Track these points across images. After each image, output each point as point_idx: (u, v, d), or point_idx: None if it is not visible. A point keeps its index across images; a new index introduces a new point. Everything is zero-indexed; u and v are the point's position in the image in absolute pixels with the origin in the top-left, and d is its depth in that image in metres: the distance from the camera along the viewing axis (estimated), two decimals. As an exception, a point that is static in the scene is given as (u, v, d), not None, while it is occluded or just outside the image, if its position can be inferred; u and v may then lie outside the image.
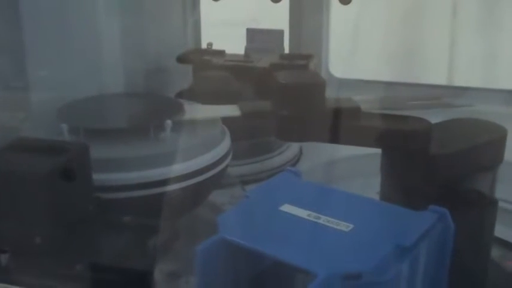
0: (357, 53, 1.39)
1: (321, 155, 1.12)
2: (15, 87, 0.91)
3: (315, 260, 0.45)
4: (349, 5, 1.39)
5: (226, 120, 0.91)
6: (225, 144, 0.76)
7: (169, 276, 0.58)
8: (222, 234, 0.49)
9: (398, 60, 1.39)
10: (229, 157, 0.77)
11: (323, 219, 0.50)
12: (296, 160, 1.09)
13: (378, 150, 0.75)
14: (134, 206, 0.64)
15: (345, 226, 0.50)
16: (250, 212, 0.52)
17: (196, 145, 0.71)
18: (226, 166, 0.76)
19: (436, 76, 1.43)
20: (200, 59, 1.18)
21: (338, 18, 1.45)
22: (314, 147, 1.13)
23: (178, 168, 0.67)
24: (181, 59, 1.17)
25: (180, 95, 1.08)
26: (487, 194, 0.74)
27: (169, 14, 1.33)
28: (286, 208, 0.52)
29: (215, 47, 1.30)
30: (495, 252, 0.87)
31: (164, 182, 0.67)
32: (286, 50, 1.34)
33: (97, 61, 0.98)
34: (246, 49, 1.24)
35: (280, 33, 1.33)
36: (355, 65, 1.41)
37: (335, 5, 1.39)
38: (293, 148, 1.10)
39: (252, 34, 1.33)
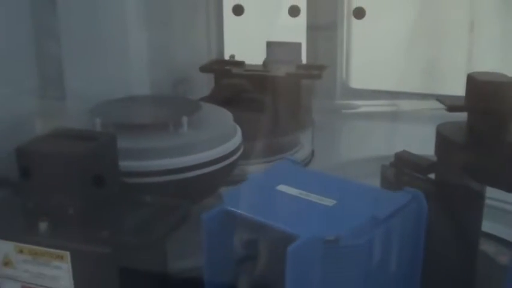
0: (373, 65, 1.46)
1: (333, 157, 1.20)
2: (52, 96, 1.00)
3: (301, 226, 0.54)
4: (364, 18, 1.46)
5: (240, 121, 1.01)
6: (236, 140, 0.85)
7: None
8: (224, 206, 0.58)
9: (415, 72, 1.44)
10: (239, 152, 0.86)
11: (311, 197, 0.60)
12: (308, 161, 1.17)
13: (389, 153, 0.85)
14: (154, 190, 0.74)
15: (329, 202, 0.59)
16: (250, 190, 0.62)
17: (208, 139, 0.81)
18: (237, 159, 0.85)
19: (454, 88, 1.48)
20: (221, 68, 1.27)
21: (357, 31, 1.51)
22: (326, 149, 1.21)
23: (192, 158, 0.77)
24: (204, 69, 1.27)
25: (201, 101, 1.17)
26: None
27: (194, 28, 1.41)
28: (282, 188, 0.62)
29: (238, 58, 1.38)
30: (491, 248, 0.94)
31: (179, 170, 0.77)
32: (304, 62, 1.41)
33: (126, 72, 1.06)
34: (265, 60, 1.33)
35: (298, 45, 1.41)
36: (370, 76, 1.48)
37: (351, 19, 1.46)
38: (305, 149, 1.19)
39: (272, 46, 1.41)
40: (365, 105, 1.39)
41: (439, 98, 0.86)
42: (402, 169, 0.86)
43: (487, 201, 0.85)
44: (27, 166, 0.65)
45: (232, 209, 0.58)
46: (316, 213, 0.57)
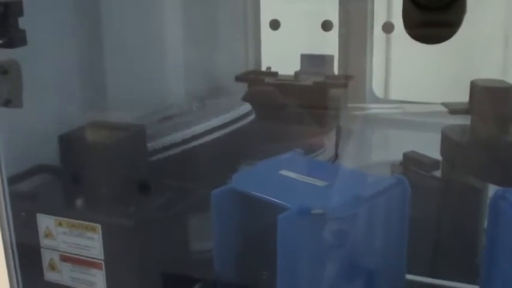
0: (406, 77, 1.52)
1: (355, 161, 1.27)
2: (97, 106, 1.08)
3: (294, 201, 0.64)
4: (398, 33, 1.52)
5: (267, 124, 1.10)
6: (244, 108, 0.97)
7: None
8: (231, 184, 0.68)
9: (448, 86, 1.48)
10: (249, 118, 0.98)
11: (306, 179, 0.69)
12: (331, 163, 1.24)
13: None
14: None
15: (321, 183, 0.68)
16: (256, 173, 0.71)
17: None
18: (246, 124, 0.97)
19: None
20: (255, 78, 1.37)
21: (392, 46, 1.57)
22: (350, 153, 1.28)
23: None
24: (239, 78, 1.36)
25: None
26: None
27: (232, 41, 1.50)
28: (284, 172, 0.71)
29: (274, 70, 1.46)
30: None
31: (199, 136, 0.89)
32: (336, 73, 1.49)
33: (163, 81, 1.16)
34: (297, 71, 1.42)
35: (331, 58, 1.49)
36: (403, 88, 1.54)
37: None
38: (328, 152, 1.27)
39: (306, 59, 1.49)
40: (382, 108, 1.45)
41: (444, 103, 0.93)
42: (409, 167, 0.94)
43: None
44: (67, 152, 0.76)
45: (238, 187, 0.67)
46: (308, 191, 0.66)
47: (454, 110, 0.91)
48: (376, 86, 1.56)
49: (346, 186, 0.67)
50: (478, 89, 0.89)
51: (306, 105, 1.23)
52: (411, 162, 0.96)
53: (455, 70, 1.43)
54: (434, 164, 0.94)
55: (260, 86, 1.31)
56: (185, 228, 0.78)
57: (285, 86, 1.29)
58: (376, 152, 1.35)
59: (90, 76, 1.06)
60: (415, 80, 1.47)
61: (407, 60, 1.50)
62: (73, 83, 1.01)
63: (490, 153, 0.87)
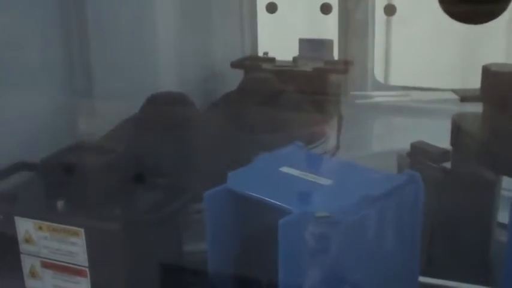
0: (407, 62, 1.47)
1: (358, 150, 1.22)
2: (78, 90, 1.04)
3: (296, 203, 0.57)
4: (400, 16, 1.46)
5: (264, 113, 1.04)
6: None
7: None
8: (226, 184, 0.61)
9: (450, 70, 1.44)
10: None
11: (310, 177, 0.62)
12: (332, 154, 1.19)
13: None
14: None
15: (326, 182, 0.61)
16: (254, 170, 0.65)
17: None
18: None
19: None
20: (251, 64, 1.30)
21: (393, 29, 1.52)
22: (352, 142, 1.23)
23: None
24: (235, 65, 1.30)
25: (228, 95, 1.21)
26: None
27: (228, 26, 1.44)
28: (285, 169, 0.64)
29: (274, 56, 1.41)
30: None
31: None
32: (336, 58, 1.43)
33: (155, 67, 1.10)
34: (296, 57, 1.36)
35: (330, 42, 1.43)
36: (404, 73, 1.48)
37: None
38: (330, 142, 1.21)
39: (304, 44, 1.44)
40: (391, 97, 1.39)
41: (454, 89, 0.87)
42: (417, 158, 0.88)
43: (506, 193, 0.86)
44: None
45: (233, 187, 0.60)
46: (312, 191, 0.59)
47: (465, 97, 0.85)
48: (377, 71, 1.50)
49: (354, 185, 0.60)
50: (491, 74, 0.83)
51: (306, 93, 1.17)
52: (419, 153, 0.90)
53: (457, 55, 1.38)
54: (444, 154, 0.88)
55: (257, 72, 1.24)
56: (177, 230, 0.72)
57: (283, 72, 1.24)
58: (380, 140, 1.29)
59: (77, 66, 1.02)
60: (416, 65, 1.42)
61: (408, 44, 1.45)
62: (59, 73, 0.98)
63: (504, 143, 0.81)
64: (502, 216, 0.85)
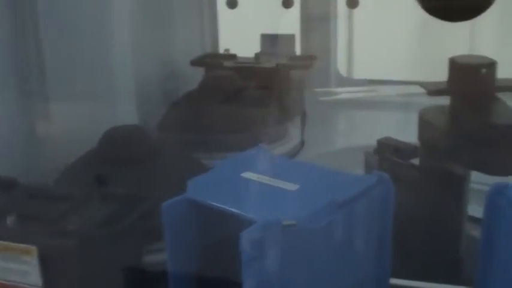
0: (371, 55, 1.45)
1: (323, 147, 1.19)
2: (32, 92, 1.00)
3: (260, 211, 0.54)
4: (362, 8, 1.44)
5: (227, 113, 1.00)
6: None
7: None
8: (185, 194, 0.58)
9: (413, 61, 1.42)
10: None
11: (275, 182, 0.59)
12: (297, 151, 1.16)
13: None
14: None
15: (291, 186, 0.58)
16: (214, 177, 0.61)
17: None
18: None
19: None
20: (212, 61, 1.27)
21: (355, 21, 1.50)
22: (317, 138, 1.20)
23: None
24: (195, 62, 1.26)
25: (190, 94, 1.17)
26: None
27: (187, 22, 1.41)
28: (247, 175, 0.61)
29: (236, 52, 1.37)
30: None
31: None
32: (298, 53, 1.41)
33: (109, 67, 1.06)
34: (258, 53, 1.33)
35: (292, 37, 1.41)
36: (367, 66, 1.47)
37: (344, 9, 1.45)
38: (294, 140, 1.18)
39: (266, 39, 1.41)
40: (358, 93, 1.37)
41: (421, 83, 0.85)
42: (385, 155, 0.85)
43: (475, 186, 0.84)
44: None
45: (192, 196, 0.57)
46: (277, 198, 0.56)
47: (432, 90, 0.83)
48: (340, 64, 1.49)
49: (321, 189, 0.57)
50: (457, 67, 0.80)
51: (268, 89, 1.14)
52: (386, 150, 0.87)
53: (421, 46, 1.37)
54: (412, 150, 0.86)
55: (218, 70, 1.21)
56: (137, 243, 0.68)
57: (245, 69, 1.21)
58: (347, 136, 1.27)
59: (25, 64, 0.96)
60: (380, 58, 1.41)
61: (372, 37, 1.43)
62: (11, 75, 0.93)
63: (472, 136, 0.79)
64: (471, 210, 0.84)
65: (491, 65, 0.79)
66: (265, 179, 0.59)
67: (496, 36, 1.30)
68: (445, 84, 0.83)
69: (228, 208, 0.55)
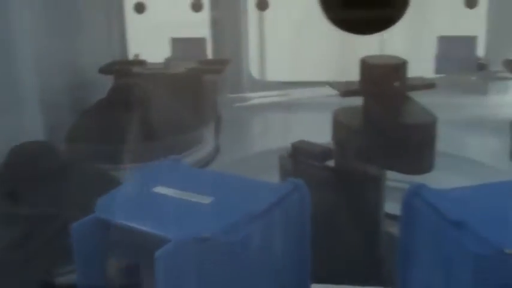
0: (282, 56, 1.45)
1: (239, 152, 1.18)
2: None
3: (174, 228, 0.51)
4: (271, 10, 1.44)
5: (137, 121, 0.97)
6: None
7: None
8: (95, 214, 0.55)
9: (325, 62, 1.43)
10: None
11: (188, 196, 0.57)
12: (212, 158, 1.14)
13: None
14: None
15: (206, 200, 0.56)
16: (125, 194, 0.58)
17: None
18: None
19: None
20: (121, 69, 1.24)
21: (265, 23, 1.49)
22: (232, 143, 1.18)
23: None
24: (103, 70, 1.23)
25: (99, 103, 1.13)
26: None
27: (93, 29, 1.37)
28: (159, 189, 0.58)
29: (146, 58, 1.34)
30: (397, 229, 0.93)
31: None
32: (210, 57, 1.39)
33: (14, 81, 1.01)
34: (168, 58, 1.30)
35: (202, 41, 1.39)
36: (280, 68, 1.46)
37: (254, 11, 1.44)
38: (209, 146, 1.16)
39: (176, 43, 1.39)
40: (268, 96, 1.37)
41: (331, 84, 0.85)
42: (299, 159, 0.85)
43: (391, 183, 0.84)
44: None
45: (102, 215, 0.54)
46: (191, 213, 0.54)
47: (345, 91, 0.82)
48: (253, 67, 1.48)
49: (236, 201, 0.56)
50: (369, 67, 0.80)
51: (180, 95, 1.12)
52: (301, 153, 0.87)
53: (331, 47, 1.38)
54: (327, 152, 0.86)
55: (127, 77, 1.18)
56: (49, 264, 0.64)
57: (155, 76, 1.18)
58: (262, 140, 1.26)
59: None
60: (291, 59, 1.41)
61: (283, 39, 1.44)
62: None
63: (385, 136, 0.79)
64: (388, 207, 0.85)
65: (402, 64, 0.80)
66: (178, 193, 0.57)
67: (406, 35, 1.32)
68: (357, 85, 0.83)
69: (140, 227, 0.52)
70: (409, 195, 0.57)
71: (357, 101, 0.85)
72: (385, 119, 0.81)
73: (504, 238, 0.50)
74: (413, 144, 0.76)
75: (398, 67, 0.81)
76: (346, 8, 0.58)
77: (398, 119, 0.80)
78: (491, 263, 0.48)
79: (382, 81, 0.81)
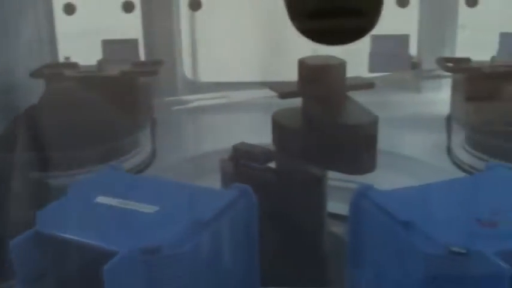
0: (218, 57, 1.44)
1: (176, 155, 1.16)
2: None
3: (119, 240, 0.50)
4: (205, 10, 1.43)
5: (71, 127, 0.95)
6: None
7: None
8: (36, 228, 0.52)
9: (261, 62, 1.42)
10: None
11: (131, 205, 0.55)
12: (149, 162, 1.12)
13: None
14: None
15: (150, 209, 0.54)
16: (65, 205, 0.56)
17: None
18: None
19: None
20: (52, 72, 1.20)
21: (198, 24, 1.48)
22: (169, 147, 1.17)
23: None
24: (35, 74, 1.19)
25: (32, 109, 1.10)
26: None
27: (21, 32, 1.32)
28: (101, 199, 0.57)
29: (77, 60, 1.31)
30: (339, 228, 0.94)
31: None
32: (142, 58, 1.37)
33: None
34: (100, 60, 1.27)
35: (135, 42, 1.36)
36: (215, 69, 1.45)
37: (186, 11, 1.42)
38: (145, 150, 1.14)
39: (107, 45, 1.35)
40: (206, 99, 1.36)
41: (270, 85, 0.84)
42: (241, 161, 0.84)
43: (333, 183, 0.84)
44: None
45: (44, 230, 0.52)
46: (137, 223, 0.52)
47: (284, 93, 0.82)
48: (187, 68, 1.47)
49: (182, 209, 0.54)
50: (307, 68, 0.80)
51: (114, 99, 1.09)
52: (242, 155, 0.86)
53: (265, 47, 1.38)
54: (268, 154, 0.85)
55: (58, 81, 1.14)
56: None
57: (88, 79, 1.15)
58: (201, 142, 1.25)
59: None
60: (225, 60, 1.41)
61: (216, 39, 1.43)
62: None
63: (325, 137, 0.79)
64: (331, 207, 0.85)
65: (340, 64, 0.80)
66: (121, 203, 0.55)
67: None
68: (296, 86, 0.82)
69: (85, 240, 0.50)
70: (357, 196, 0.57)
71: (297, 101, 0.84)
72: (326, 119, 0.81)
73: (450, 237, 0.50)
74: (355, 145, 0.77)
75: (337, 67, 0.81)
76: (316, 19, 0.57)
77: (339, 120, 0.81)
78: (439, 261, 0.49)
79: (322, 82, 0.81)
